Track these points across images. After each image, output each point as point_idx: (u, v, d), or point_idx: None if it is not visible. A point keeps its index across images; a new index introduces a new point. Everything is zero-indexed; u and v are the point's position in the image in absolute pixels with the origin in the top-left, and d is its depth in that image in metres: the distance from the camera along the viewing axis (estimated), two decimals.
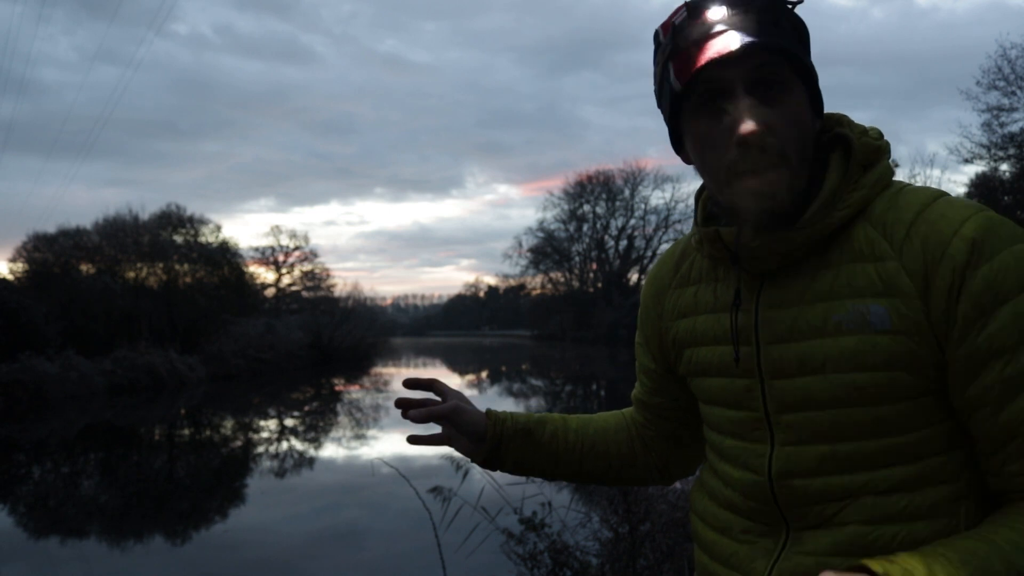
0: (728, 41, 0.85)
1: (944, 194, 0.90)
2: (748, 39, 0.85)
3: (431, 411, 1.17)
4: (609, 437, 1.25)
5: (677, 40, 0.90)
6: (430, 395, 1.23)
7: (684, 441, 1.21)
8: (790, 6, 0.91)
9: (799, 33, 0.92)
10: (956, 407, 0.87)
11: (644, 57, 0.98)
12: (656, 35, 0.95)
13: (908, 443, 0.88)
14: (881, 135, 0.95)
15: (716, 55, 0.85)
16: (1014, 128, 21.87)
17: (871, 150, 0.92)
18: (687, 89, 0.90)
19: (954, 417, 0.88)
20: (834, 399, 0.88)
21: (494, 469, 1.25)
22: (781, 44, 0.86)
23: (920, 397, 0.87)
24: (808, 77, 0.90)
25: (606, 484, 1.33)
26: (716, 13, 0.87)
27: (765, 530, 0.97)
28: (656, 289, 1.12)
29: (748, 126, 0.84)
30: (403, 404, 1.18)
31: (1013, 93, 21.65)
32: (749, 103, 0.86)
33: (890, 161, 0.95)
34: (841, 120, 0.97)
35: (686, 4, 0.91)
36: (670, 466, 1.25)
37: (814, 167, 0.92)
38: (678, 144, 0.99)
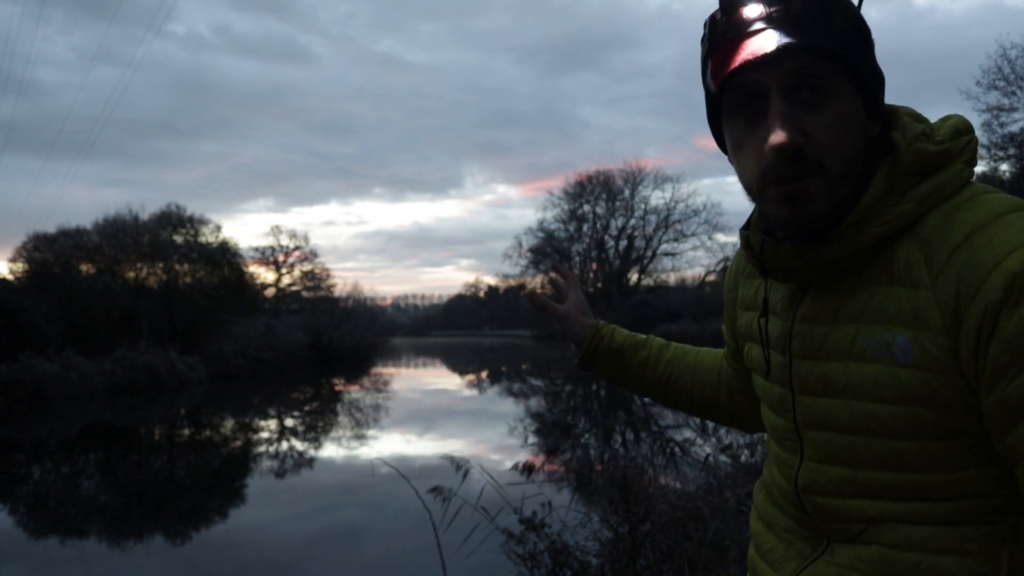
0: (764, 42, 0.79)
1: (1014, 211, 0.77)
2: (786, 40, 0.78)
3: (547, 305, 1.43)
4: (698, 377, 1.27)
5: (713, 37, 0.84)
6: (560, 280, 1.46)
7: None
8: (854, 2, 0.83)
9: (858, 31, 0.82)
10: (1000, 454, 0.79)
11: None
12: (704, 25, 0.88)
13: (936, 482, 0.81)
14: (956, 134, 0.84)
15: (751, 57, 0.79)
16: (1014, 128, 21.88)
17: (926, 156, 0.82)
18: (722, 90, 0.85)
19: (999, 461, 0.80)
20: (853, 425, 0.84)
21: (593, 373, 1.35)
22: (824, 45, 0.78)
23: (952, 438, 0.80)
24: (863, 79, 0.82)
25: (693, 415, 1.35)
26: (753, 10, 0.80)
27: (807, 534, 0.95)
28: (735, 272, 1.12)
29: (779, 136, 0.78)
30: (532, 294, 1.48)
31: (1013, 93, 21.65)
32: (783, 110, 0.79)
33: (964, 163, 0.84)
34: (900, 118, 0.87)
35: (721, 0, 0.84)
36: (750, 420, 1.26)
37: (868, 173, 0.84)
38: (720, 139, 0.93)
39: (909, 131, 0.84)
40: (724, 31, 0.82)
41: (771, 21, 0.79)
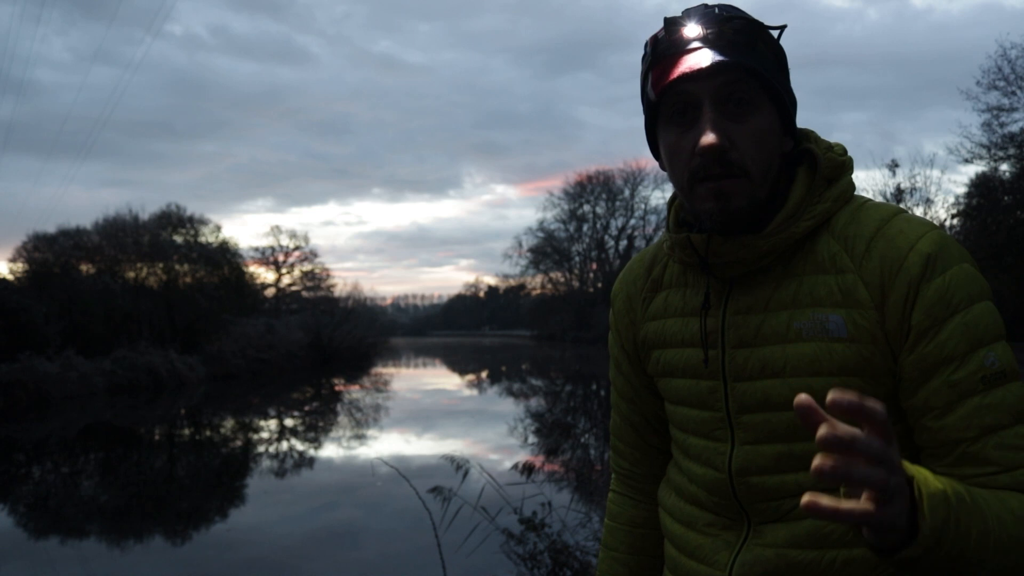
0: (700, 58, 0.90)
1: (902, 211, 0.95)
2: (719, 58, 0.89)
3: None
4: (641, 555, 1.23)
5: (656, 52, 0.95)
6: None
7: (666, 451, 1.21)
8: (774, 31, 0.96)
9: (777, 57, 0.96)
10: (907, 411, 0.92)
11: (638, 58, 1.01)
12: (645, 44, 1.00)
13: None
14: (845, 151, 1.00)
15: (688, 70, 0.90)
16: (1014, 128, 21.88)
17: (835, 165, 0.97)
18: (660, 99, 0.95)
19: (902, 422, 0.93)
20: (790, 401, 0.90)
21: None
22: (751, 64, 0.90)
23: None
24: (780, 99, 0.95)
25: None
26: (692, 30, 0.92)
27: (728, 523, 1.02)
28: (628, 293, 1.16)
29: (708, 138, 0.90)
30: None
31: (1013, 93, 21.65)
32: (713, 117, 0.91)
33: (851, 176, 1.00)
34: (809, 136, 1.01)
35: (665, 19, 0.96)
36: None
37: (781, 180, 0.98)
38: (655, 150, 1.04)
39: (822, 144, 1.00)
40: (665, 48, 0.94)
41: (707, 41, 0.91)
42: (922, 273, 0.88)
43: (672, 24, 0.94)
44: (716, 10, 0.93)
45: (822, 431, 0.65)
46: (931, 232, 0.91)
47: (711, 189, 0.92)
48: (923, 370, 0.88)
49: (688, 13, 0.94)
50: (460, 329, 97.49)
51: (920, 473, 0.74)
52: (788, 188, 0.98)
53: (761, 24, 0.94)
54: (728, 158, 0.91)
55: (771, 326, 0.95)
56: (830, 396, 0.66)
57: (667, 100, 0.95)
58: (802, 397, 0.68)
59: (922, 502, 0.71)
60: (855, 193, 1.00)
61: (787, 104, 0.96)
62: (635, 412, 1.20)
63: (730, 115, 0.91)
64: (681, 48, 0.92)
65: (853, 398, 0.66)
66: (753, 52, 0.92)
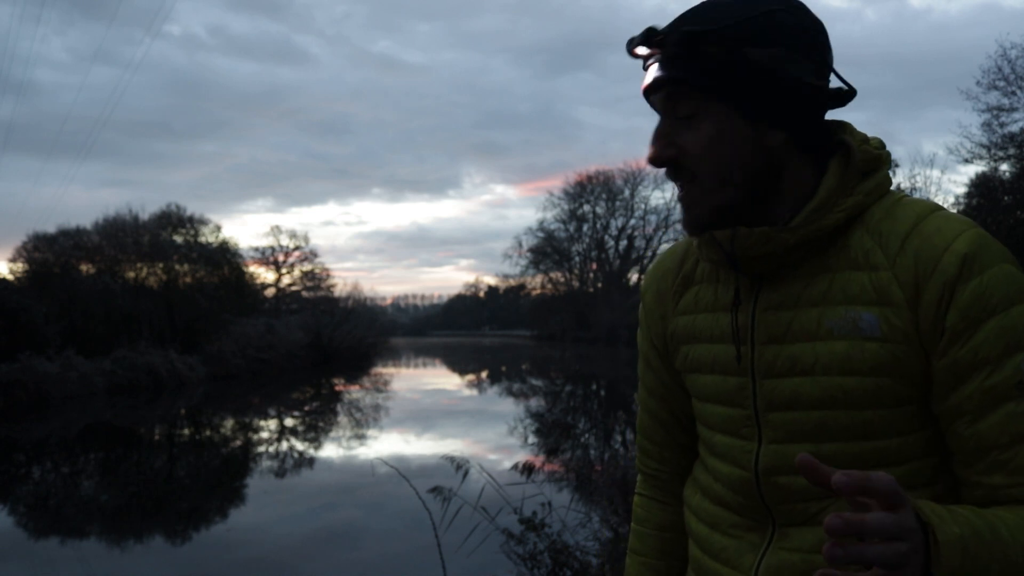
0: (648, 74, 0.95)
1: (940, 208, 0.92)
2: (657, 74, 0.94)
3: None
4: (670, 559, 1.21)
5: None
6: None
7: (694, 449, 1.20)
8: (725, 31, 0.91)
9: (730, 59, 0.91)
10: (938, 415, 0.90)
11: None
12: None
13: (891, 448, 0.91)
14: (883, 145, 0.98)
15: (644, 87, 0.97)
16: (1014, 128, 21.84)
17: (871, 158, 0.95)
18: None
19: (933, 425, 0.91)
20: (821, 400, 0.92)
21: None
22: (685, 77, 0.92)
23: (905, 405, 0.90)
24: (735, 100, 0.91)
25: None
26: (641, 50, 0.96)
27: (753, 525, 1.01)
28: (659, 288, 1.14)
29: (649, 151, 0.96)
30: None
31: (1013, 93, 21.63)
32: (660, 129, 0.96)
33: (889, 170, 0.98)
34: (844, 127, 0.99)
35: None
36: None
37: (814, 173, 0.95)
38: None
39: (857, 136, 0.97)
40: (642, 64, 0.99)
41: (653, 59, 0.95)
42: (958, 273, 0.85)
43: (629, 44, 0.97)
44: (688, 21, 0.92)
45: (828, 521, 0.65)
46: (969, 231, 0.87)
47: (680, 198, 0.97)
48: (956, 374, 0.86)
49: (646, 31, 0.96)
50: (460, 329, 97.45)
51: (936, 516, 0.73)
52: (819, 181, 0.95)
53: (706, 30, 0.90)
54: (678, 166, 0.94)
55: (801, 323, 0.93)
56: (834, 480, 0.66)
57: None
58: (802, 457, 0.68)
59: (937, 550, 0.71)
60: (892, 188, 0.97)
61: (757, 100, 0.91)
62: (664, 409, 1.18)
63: (680, 124, 0.94)
64: (644, 65, 0.97)
65: (857, 478, 0.66)
66: (694, 62, 0.91)
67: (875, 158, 0.95)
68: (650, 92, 0.96)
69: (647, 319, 1.17)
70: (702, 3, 0.95)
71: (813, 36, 0.93)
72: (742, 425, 0.99)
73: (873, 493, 0.67)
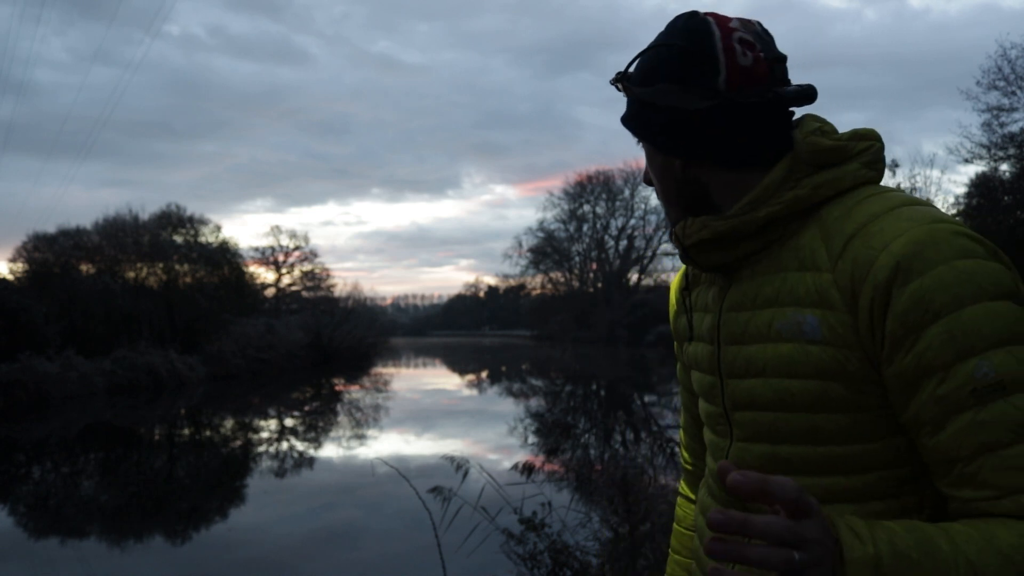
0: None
1: (906, 205, 0.87)
2: (623, 120, 1.04)
3: None
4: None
5: None
6: None
7: None
8: (621, 78, 1.01)
9: (634, 101, 1.01)
10: (904, 426, 0.85)
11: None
12: None
13: (849, 455, 0.88)
14: (854, 136, 0.93)
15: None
16: (1014, 128, 21.83)
17: (820, 149, 0.91)
18: None
19: (904, 435, 0.86)
20: (772, 402, 0.92)
21: None
22: (628, 128, 1.02)
23: (861, 411, 0.86)
24: (646, 136, 1.01)
25: None
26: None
27: None
28: (678, 288, 1.19)
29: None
30: None
31: (1013, 93, 21.62)
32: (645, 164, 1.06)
33: (863, 163, 0.93)
34: (804, 119, 0.97)
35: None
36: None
37: (763, 176, 0.96)
38: None
39: (806, 128, 0.94)
40: None
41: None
42: (892, 276, 0.80)
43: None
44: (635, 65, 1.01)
45: (711, 515, 0.66)
46: (915, 229, 0.81)
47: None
48: (906, 382, 0.81)
49: (616, 75, 1.04)
50: (460, 329, 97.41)
51: (849, 533, 0.71)
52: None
53: (618, 74, 1.01)
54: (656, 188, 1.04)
55: (756, 324, 0.93)
56: (729, 479, 0.66)
57: None
58: (722, 464, 0.70)
59: (843, 569, 0.70)
60: (875, 184, 0.93)
61: (655, 133, 0.99)
62: (694, 404, 1.21)
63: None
64: None
65: (753, 479, 0.66)
66: (636, 119, 1.01)
67: (827, 149, 0.91)
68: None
69: (672, 319, 1.21)
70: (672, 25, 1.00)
71: (696, 61, 0.92)
72: (717, 422, 1.02)
73: (772, 498, 0.66)
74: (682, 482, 1.31)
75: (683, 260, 1.03)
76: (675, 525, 1.30)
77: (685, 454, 1.28)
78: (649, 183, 1.06)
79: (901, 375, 0.81)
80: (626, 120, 1.02)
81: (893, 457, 0.87)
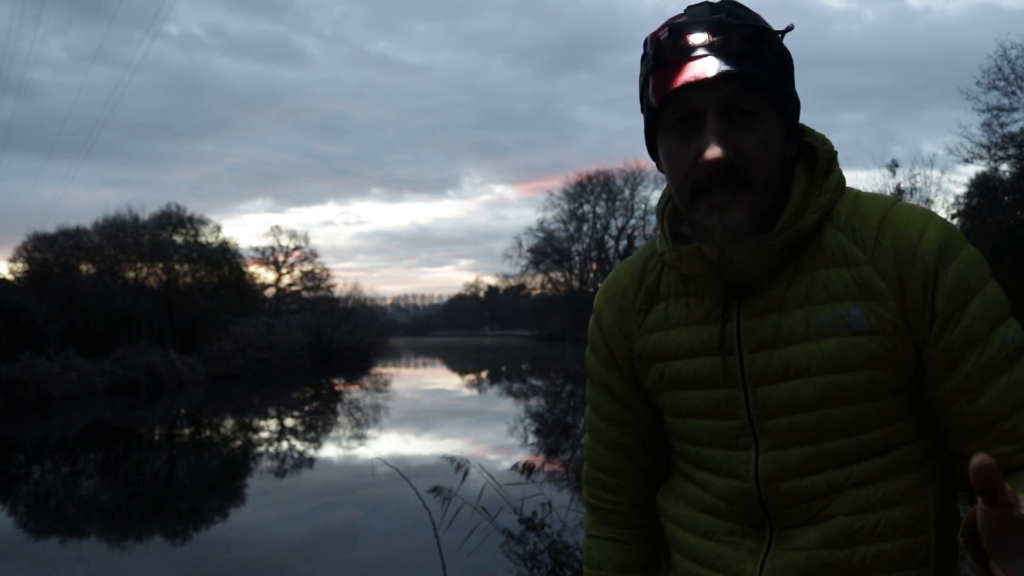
0: (706, 67, 0.86)
1: (896, 200, 0.95)
2: (725, 67, 0.85)
3: None
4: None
5: (659, 56, 0.90)
6: None
7: (657, 474, 1.15)
8: (779, 34, 0.91)
9: (783, 63, 0.92)
10: (933, 400, 0.93)
11: (637, 58, 0.97)
12: (645, 43, 0.95)
13: (884, 436, 0.93)
14: (828, 141, 1.00)
15: (692, 79, 0.86)
16: (1014, 128, 21.84)
17: (831, 157, 0.97)
18: (662, 105, 0.91)
19: (923, 409, 0.94)
20: (818, 400, 0.92)
21: None
22: (758, 74, 0.87)
23: (896, 394, 0.92)
24: (784, 106, 0.92)
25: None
26: (698, 38, 0.87)
27: (749, 531, 1.00)
28: (618, 306, 1.09)
29: (714, 152, 0.86)
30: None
31: (1013, 93, 21.62)
32: (717, 128, 0.87)
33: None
34: (804, 130, 1.00)
35: (669, 24, 0.91)
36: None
37: (783, 183, 0.95)
38: (654, 153, 1.00)
39: (817, 137, 0.98)
40: (670, 53, 0.89)
41: (713, 49, 0.87)
42: (937, 259, 0.88)
43: (677, 29, 0.88)
44: (723, 14, 0.88)
45: (978, 458, 0.61)
46: (935, 218, 0.91)
47: (712, 204, 0.89)
48: (952, 357, 0.88)
49: (694, 16, 0.89)
50: (460, 329, 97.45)
51: None
52: (790, 186, 0.95)
53: (767, 28, 0.89)
54: (733, 170, 0.88)
55: (789, 325, 0.92)
56: (980, 461, 0.60)
57: (669, 107, 0.91)
58: (981, 460, 0.61)
59: None
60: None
61: (791, 109, 0.94)
62: (627, 434, 1.12)
63: (735, 125, 0.88)
64: (687, 55, 0.88)
65: (999, 472, 0.62)
66: (759, 60, 0.88)
67: (832, 156, 0.97)
68: (704, 87, 0.87)
69: (605, 340, 1.10)
70: (724, 1, 0.91)
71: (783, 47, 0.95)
72: (735, 436, 0.97)
73: (1004, 499, 0.64)
74: (594, 523, 1.17)
75: (719, 278, 0.95)
76: (590, 571, 1.16)
77: (601, 493, 1.16)
78: (727, 166, 0.87)
79: (948, 351, 0.89)
80: (767, 73, 0.88)
81: (917, 431, 0.95)
